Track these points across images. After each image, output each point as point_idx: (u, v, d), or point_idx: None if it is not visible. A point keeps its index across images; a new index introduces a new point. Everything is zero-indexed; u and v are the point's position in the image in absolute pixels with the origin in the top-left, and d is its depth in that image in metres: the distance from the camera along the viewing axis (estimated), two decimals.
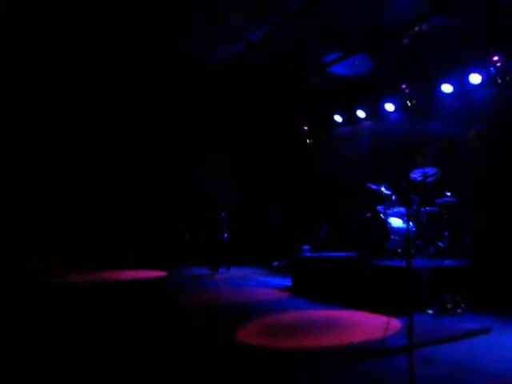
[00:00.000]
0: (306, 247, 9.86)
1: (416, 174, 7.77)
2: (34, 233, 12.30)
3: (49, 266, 11.85)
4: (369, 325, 5.75)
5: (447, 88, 8.94)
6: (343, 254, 8.96)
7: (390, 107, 10.38)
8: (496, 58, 7.98)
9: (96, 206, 13.60)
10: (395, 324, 5.46)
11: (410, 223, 7.76)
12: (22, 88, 11.61)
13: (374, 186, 8.36)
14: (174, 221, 14.38)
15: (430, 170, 7.61)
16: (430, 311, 5.93)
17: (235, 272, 11.77)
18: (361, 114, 11.15)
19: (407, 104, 9.93)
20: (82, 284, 9.89)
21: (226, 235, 11.50)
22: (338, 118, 11.81)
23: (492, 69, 8.11)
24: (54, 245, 12.25)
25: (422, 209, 7.50)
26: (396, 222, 7.84)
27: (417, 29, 8.81)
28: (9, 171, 12.28)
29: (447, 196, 7.73)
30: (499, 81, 8.10)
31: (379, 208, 8.11)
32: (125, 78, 11.52)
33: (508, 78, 7.98)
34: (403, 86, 9.74)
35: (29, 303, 7.67)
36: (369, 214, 8.18)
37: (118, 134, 13.77)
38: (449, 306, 5.94)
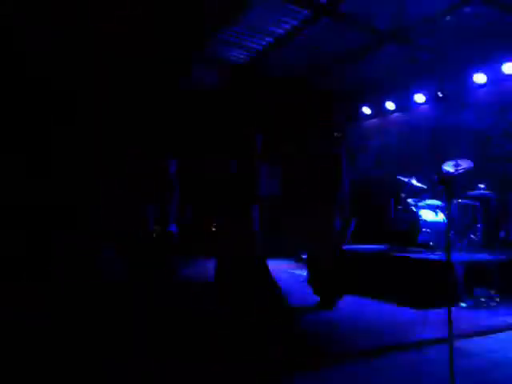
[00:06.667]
0: None
1: (448, 166, 7.68)
2: None
3: None
4: (401, 317, 5.76)
5: (480, 78, 8.76)
6: (373, 246, 8.92)
7: (420, 98, 10.24)
8: None
9: None
10: (427, 316, 5.46)
11: (445, 216, 7.69)
12: None
13: (404, 179, 8.31)
14: None
15: (463, 162, 7.51)
16: (464, 304, 5.90)
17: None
18: (390, 105, 11.04)
19: (438, 95, 9.78)
20: None
21: None
22: (366, 110, 11.72)
23: None
24: None
25: (455, 201, 7.42)
26: (427, 214, 7.77)
27: (448, 18, 8.65)
28: None
29: (480, 188, 7.63)
30: None
31: (410, 200, 8.06)
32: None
33: None
34: (434, 77, 9.61)
35: None
36: (399, 207, 8.13)
37: None
38: (482, 300, 5.91)
